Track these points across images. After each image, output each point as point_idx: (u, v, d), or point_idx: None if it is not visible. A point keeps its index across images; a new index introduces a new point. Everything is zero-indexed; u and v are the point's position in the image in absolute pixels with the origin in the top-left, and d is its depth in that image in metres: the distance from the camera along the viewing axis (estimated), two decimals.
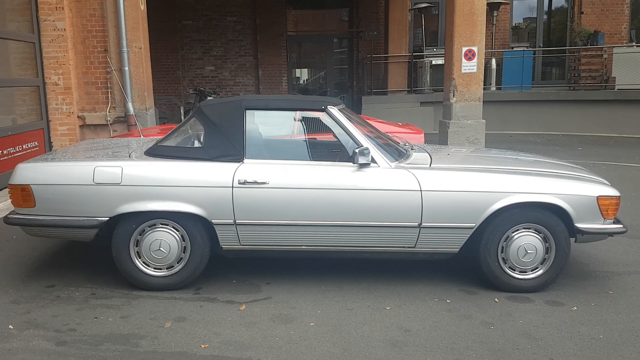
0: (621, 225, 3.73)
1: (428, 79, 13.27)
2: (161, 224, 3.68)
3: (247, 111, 3.80)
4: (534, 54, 14.09)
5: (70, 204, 3.64)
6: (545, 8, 15.13)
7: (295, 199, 3.59)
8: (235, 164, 3.66)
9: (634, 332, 3.16)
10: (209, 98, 10.85)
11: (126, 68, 7.88)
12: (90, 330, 3.17)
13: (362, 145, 3.65)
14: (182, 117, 11.43)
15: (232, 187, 3.59)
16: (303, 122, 4.20)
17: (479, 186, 3.61)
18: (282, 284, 3.83)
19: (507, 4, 14.29)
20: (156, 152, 3.88)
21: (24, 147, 7.23)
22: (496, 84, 13.37)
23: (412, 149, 4.28)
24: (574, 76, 13.59)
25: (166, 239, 3.66)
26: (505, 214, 3.61)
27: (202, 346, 2.99)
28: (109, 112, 8.04)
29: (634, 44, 13.63)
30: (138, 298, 3.62)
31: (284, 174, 3.63)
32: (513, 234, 3.65)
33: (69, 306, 3.50)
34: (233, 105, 3.85)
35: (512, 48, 14.39)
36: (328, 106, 3.85)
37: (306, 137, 4.30)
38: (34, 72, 7.65)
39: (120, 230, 3.65)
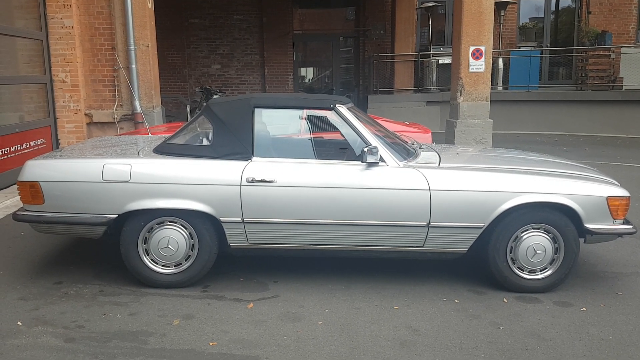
0: (631, 226, 3.71)
1: (434, 78, 13.25)
2: (169, 222, 3.68)
3: (255, 109, 3.80)
4: (541, 53, 14.04)
5: (79, 201, 3.65)
6: (553, 8, 15.07)
7: (303, 198, 3.59)
8: (244, 162, 3.66)
9: None
10: (215, 96, 10.86)
11: (133, 66, 7.89)
12: (98, 327, 3.18)
13: (371, 144, 3.64)
14: (189, 116, 11.45)
15: (241, 185, 3.59)
16: (311, 121, 4.19)
17: (488, 186, 3.59)
18: (289, 283, 3.83)
19: (515, 3, 14.25)
20: (165, 149, 3.88)
21: (31, 144, 7.26)
22: (503, 84, 13.34)
23: (420, 148, 4.27)
24: (581, 76, 13.53)
25: (174, 236, 3.67)
26: (515, 214, 3.59)
27: (210, 344, 3.00)
28: (116, 109, 8.06)
29: None
30: (146, 295, 3.62)
31: (292, 173, 3.62)
32: (522, 234, 3.63)
33: (77, 303, 3.51)
34: (241, 104, 3.85)
35: (519, 48, 14.35)
36: (337, 105, 3.84)
37: (314, 135, 4.29)
38: (42, 69, 7.67)
39: (129, 227, 3.66)
